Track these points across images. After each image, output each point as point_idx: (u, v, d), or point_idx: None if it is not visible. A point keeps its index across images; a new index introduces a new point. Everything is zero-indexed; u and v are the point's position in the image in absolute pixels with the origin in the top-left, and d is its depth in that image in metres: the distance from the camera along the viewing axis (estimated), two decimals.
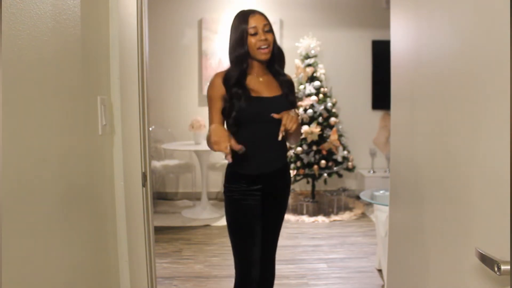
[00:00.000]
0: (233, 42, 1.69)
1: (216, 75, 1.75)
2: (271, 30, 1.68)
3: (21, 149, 0.87)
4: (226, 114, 1.70)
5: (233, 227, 1.75)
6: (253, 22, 1.65)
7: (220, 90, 1.69)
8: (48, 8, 1.00)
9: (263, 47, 1.65)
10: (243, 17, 1.67)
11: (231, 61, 1.71)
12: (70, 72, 1.15)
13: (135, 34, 1.54)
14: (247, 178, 1.72)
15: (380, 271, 2.98)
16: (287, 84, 1.77)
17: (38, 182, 0.95)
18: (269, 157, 1.75)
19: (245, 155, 1.62)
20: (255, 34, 1.64)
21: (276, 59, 1.74)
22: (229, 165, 1.76)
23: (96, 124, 1.36)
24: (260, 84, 1.73)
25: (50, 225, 1.01)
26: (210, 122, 1.73)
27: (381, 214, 2.80)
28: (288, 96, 1.75)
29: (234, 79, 1.67)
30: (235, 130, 1.69)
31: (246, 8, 1.74)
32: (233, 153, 1.60)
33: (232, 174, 1.76)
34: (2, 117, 0.79)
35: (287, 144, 1.85)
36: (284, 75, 1.79)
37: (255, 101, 1.67)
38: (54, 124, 1.04)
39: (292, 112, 1.63)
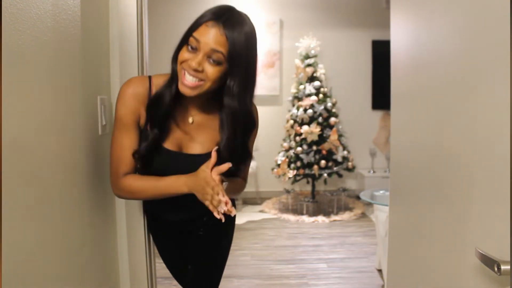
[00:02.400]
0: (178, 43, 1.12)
1: (138, 80, 1.17)
2: (221, 64, 1.04)
3: (21, 149, 0.87)
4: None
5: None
6: (202, 33, 1.03)
7: (137, 109, 1.14)
8: (48, 8, 1.00)
9: (188, 77, 1.05)
10: (205, 15, 1.07)
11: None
12: (70, 72, 1.15)
13: (135, 34, 1.54)
14: (164, 222, 1.44)
15: (380, 271, 2.98)
16: (230, 135, 1.13)
17: (37, 181, 0.95)
18: (191, 202, 1.16)
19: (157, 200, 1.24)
20: (194, 50, 1.05)
21: (224, 128, 1.13)
22: (144, 205, 1.48)
23: (96, 124, 1.36)
24: (186, 129, 1.19)
25: (49, 225, 1.01)
26: (119, 158, 1.16)
27: (381, 214, 2.80)
28: (222, 154, 1.14)
29: (159, 111, 1.12)
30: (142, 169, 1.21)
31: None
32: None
33: (147, 212, 1.51)
34: (3, 117, 0.79)
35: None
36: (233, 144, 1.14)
37: (166, 155, 1.16)
38: (54, 124, 1.04)
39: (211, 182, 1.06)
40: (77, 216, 1.19)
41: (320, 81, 4.68)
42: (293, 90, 4.76)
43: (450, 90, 0.98)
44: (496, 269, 0.70)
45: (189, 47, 1.05)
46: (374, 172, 5.06)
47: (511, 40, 0.72)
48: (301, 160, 4.48)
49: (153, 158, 1.17)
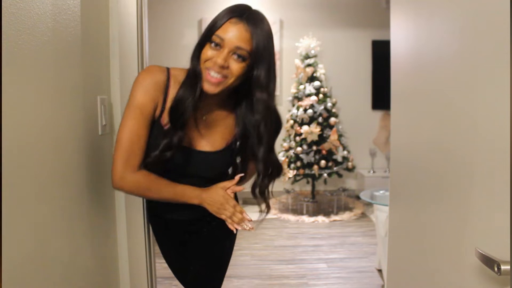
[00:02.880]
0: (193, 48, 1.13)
1: (159, 69, 1.16)
2: (246, 60, 1.06)
3: (21, 148, 0.87)
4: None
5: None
6: (226, 30, 1.04)
7: (156, 97, 1.12)
8: (48, 8, 1.00)
9: (212, 73, 1.05)
10: (226, 13, 1.08)
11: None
12: (70, 72, 1.15)
13: (135, 34, 1.54)
14: (167, 220, 1.41)
15: (380, 271, 2.98)
16: (244, 135, 1.17)
17: (37, 181, 0.95)
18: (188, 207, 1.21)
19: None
20: (218, 47, 1.05)
21: (251, 118, 1.13)
22: (146, 203, 1.45)
23: (96, 124, 1.36)
24: (198, 126, 1.17)
25: (49, 225, 1.01)
26: (130, 147, 1.10)
27: (381, 214, 2.80)
28: (233, 153, 1.18)
29: (184, 114, 1.09)
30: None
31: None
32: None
33: (150, 210, 1.48)
34: (3, 117, 0.79)
35: None
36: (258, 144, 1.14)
37: (179, 152, 1.14)
38: (54, 124, 1.04)
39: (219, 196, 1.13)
40: (77, 216, 1.19)
41: (320, 81, 4.68)
42: (293, 90, 4.76)
43: (450, 90, 0.98)
44: (496, 269, 0.70)
45: (212, 45, 1.06)
46: (374, 172, 5.06)
47: (511, 40, 0.72)
48: (301, 160, 4.48)
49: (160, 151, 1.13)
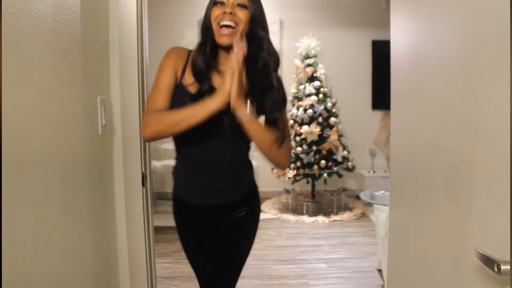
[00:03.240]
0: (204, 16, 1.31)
1: (178, 48, 1.36)
2: (247, 8, 1.25)
3: (21, 148, 0.87)
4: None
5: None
6: None
7: (176, 64, 1.30)
8: (48, 8, 1.00)
9: (224, 23, 1.22)
10: None
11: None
12: (70, 72, 1.15)
13: (135, 34, 1.54)
14: (189, 207, 1.39)
15: (380, 271, 2.98)
16: (262, 86, 1.28)
17: (37, 181, 0.95)
18: (221, 183, 1.33)
19: (187, 177, 1.35)
20: (222, 4, 1.24)
21: (259, 55, 1.29)
22: (173, 187, 1.44)
23: (96, 124, 1.36)
24: (217, 83, 1.28)
25: (49, 225, 1.01)
26: (155, 97, 1.26)
27: (381, 214, 2.80)
28: (255, 101, 1.26)
29: (195, 66, 1.27)
30: (177, 142, 1.34)
31: None
32: (175, 173, 1.39)
33: (175, 198, 1.44)
34: (3, 117, 0.78)
35: (253, 161, 1.44)
36: (266, 76, 1.29)
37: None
38: (54, 124, 1.04)
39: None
40: (77, 216, 1.19)
41: (320, 81, 4.68)
42: (293, 90, 4.76)
43: (450, 90, 0.98)
44: (496, 269, 0.70)
45: (218, 5, 1.25)
46: (374, 172, 5.06)
47: (511, 40, 0.72)
48: (301, 160, 4.48)
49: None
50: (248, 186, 1.42)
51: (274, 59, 1.32)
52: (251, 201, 1.43)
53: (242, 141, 1.33)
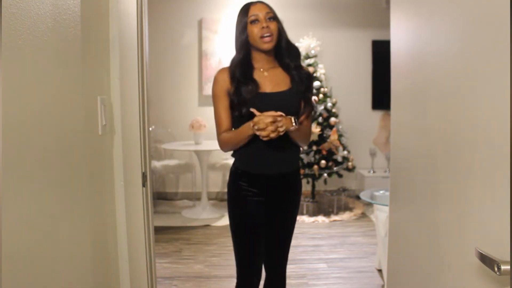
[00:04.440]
0: (236, 34, 1.65)
1: (220, 70, 1.69)
2: (275, 19, 1.62)
3: (21, 148, 0.87)
4: (234, 109, 1.64)
5: (232, 230, 1.71)
6: (253, 11, 1.60)
7: (225, 85, 1.63)
8: (48, 8, 1.00)
9: (265, 35, 1.57)
10: (245, 8, 1.64)
11: (236, 52, 1.67)
12: (70, 72, 1.15)
13: (135, 34, 1.54)
14: (248, 177, 1.66)
15: (380, 271, 2.98)
16: (299, 78, 1.65)
17: (37, 181, 0.95)
18: (274, 157, 1.65)
19: (252, 153, 1.62)
20: (256, 21, 1.58)
21: (284, 52, 1.65)
22: (233, 163, 1.73)
23: (96, 124, 1.36)
24: (264, 79, 1.64)
25: (49, 225, 1.01)
26: (218, 122, 1.66)
27: (381, 214, 2.80)
28: (298, 91, 1.64)
29: (238, 71, 1.62)
30: (239, 123, 1.64)
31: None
32: (240, 150, 1.65)
33: (234, 172, 1.71)
34: (3, 117, 0.79)
35: (299, 146, 1.76)
36: (298, 68, 1.68)
37: (255, 97, 1.59)
38: (54, 124, 1.04)
39: (285, 119, 1.52)
40: (77, 216, 1.19)
41: (320, 81, 4.68)
42: None
43: (450, 90, 0.98)
44: (496, 269, 0.70)
45: (252, 23, 1.59)
46: (374, 172, 5.06)
47: (511, 40, 0.72)
48: (301, 160, 4.48)
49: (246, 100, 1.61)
50: (295, 164, 1.75)
51: (295, 54, 1.70)
52: (297, 178, 1.77)
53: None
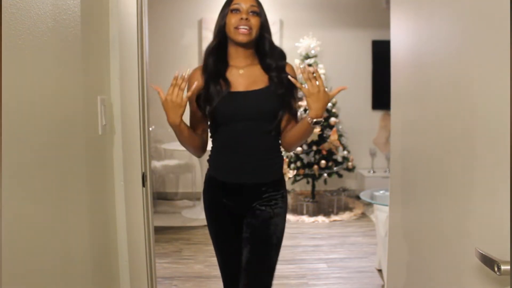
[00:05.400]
0: (217, 21, 1.52)
1: (195, 68, 1.56)
2: (258, 15, 1.47)
3: (21, 148, 0.87)
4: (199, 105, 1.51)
5: (211, 238, 1.64)
6: (238, 0, 1.47)
7: (195, 82, 1.47)
8: (48, 8, 1.00)
9: (241, 27, 1.43)
10: None
11: (212, 39, 1.54)
12: (70, 72, 1.15)
13: (135, 34, 1.54)
14: (224, 187, 1.54)
15: (380, 271, 2.98)
16: (279, 80, 1.49)
17: (37, 181, 0.95)
18: (252, 165, 1.50)
19: (223, 159, 1.52)
20: (237, 11, 1.45)
21: (266, 52, 1.51)
22: (207, 169, 1.61)
23: (96, 124, 1.36)
24: (237, 77, 1.50)
25: (48, 225, 1.01)
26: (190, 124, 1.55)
27: (381, 214, 2.80)
28: (276, 93, 1.48)
29: (211, 63, 1.49)
30: (213, 130, 1.55)
31: None
32: (212, 155, 1.55)
33: (209, 179, 1.60)
34: (3, 117, 0.79)
35: (283, 150, 1.59)
36: (280, 70, 1.51)
37: (227, 96, 1.45)
38: (54, 124, 1.04)
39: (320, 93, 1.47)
40: (77, 216, 1.19)
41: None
42: None
43: (450, 90, 0.98)
44: (496, 269, 0.70)
45: (233, 12, 1.46)
46: (374, 172, 5.06)
47: (511, 40, 0.72)
48: (301, 160, 4.48)
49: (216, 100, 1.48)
50: (277, 172, 1.57)
51: (279, 55, 1.55)
52: (281, 187, 1.57)
53: (269, 118, 1.50)
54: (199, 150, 1.58)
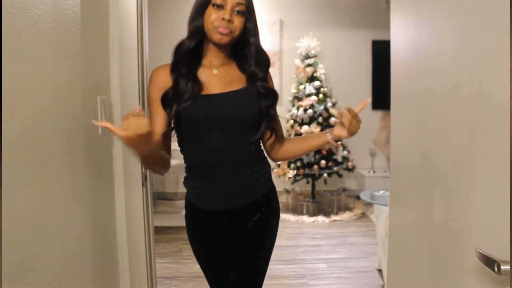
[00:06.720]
0: (192, 14, 1.30)
1: (158, 67, 1.33)
2: (244, 15, 1.25)
3: (21, 148, 0.87)
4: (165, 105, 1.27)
5: (198, 263, 1.45)
6: None
7: (162, 84, 1.27)
8: (48, 8, 1.00)
9: (221, 30, 1.22)
10: None
11: (186, 37, 1.33)
12: (70, 72, 1.15)
13: (135, 34, 1.54)
14: (208, 214, 1.34)
15: (380, 271, 2.98)
16: (266, 91, 1.31)
17: (37, 181, 0.95)
18: (236, 187, 1.30)
19: (199, 184, 1.33)
20: (220, 7, 1.22)
21: (251, 59, 1.31)
22: (186, 194, 1.41)
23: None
24: (211, 78, 1.29)
25: (48, 225, 1.01)
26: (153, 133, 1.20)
27: (381, 214, 2.80)
28: (254, 88, 1.30)
29: (183, 61, 1.28)
30: (183, 146, 1.34)
31: None
32: (186, 177, 1.36)
33: (189, 206, 1.40)
34: (3, 117, 0.79)
35: (271, 158, 1.45)
36: (264, 80, 1.32)
37: (199, 100, 1.24)
38: (54, 124, 1.04)
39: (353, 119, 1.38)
40: (77, 216, 1.19)
41: (320, 81, 4.68)
42: (293, 90, 4.76)
43: (450, 90, 0.98)
44: (496, 269, 0.70)
45: (215, 7, 1.23)
46: (374, 172, 5.06)
47: (511, 40, 0.72)
48: (301, 160, 4.48)
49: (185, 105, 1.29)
50: (265, 186, 1.40)
51: (266, 64, 1.35)
52: (270, 201, 1.44)
53: (251, 127, 1.31)
54: (165, 167, 1.36)
